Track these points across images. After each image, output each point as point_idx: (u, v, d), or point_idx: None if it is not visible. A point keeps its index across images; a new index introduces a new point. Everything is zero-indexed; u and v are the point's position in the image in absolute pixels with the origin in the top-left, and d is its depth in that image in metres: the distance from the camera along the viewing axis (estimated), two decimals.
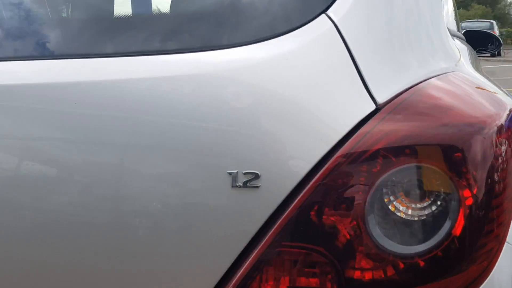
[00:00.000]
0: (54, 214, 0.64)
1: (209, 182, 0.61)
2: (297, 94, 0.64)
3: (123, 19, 0.98)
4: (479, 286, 0.62)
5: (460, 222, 0.61)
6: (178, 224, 0.62)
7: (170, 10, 1.02)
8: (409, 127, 0.63)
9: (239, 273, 0.61)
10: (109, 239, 0.62)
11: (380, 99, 0.65)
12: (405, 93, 0.67)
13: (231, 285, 0.61)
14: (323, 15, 0.68)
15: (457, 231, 0.60)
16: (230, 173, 0.60)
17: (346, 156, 0.61)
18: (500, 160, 0.66)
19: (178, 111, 0.63)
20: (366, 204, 0.60)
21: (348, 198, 0.61)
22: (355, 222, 0.60)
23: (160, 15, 1.09)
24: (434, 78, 0.71)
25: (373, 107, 0.64)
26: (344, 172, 0.61)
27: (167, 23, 0.82)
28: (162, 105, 0.63)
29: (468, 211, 0.61)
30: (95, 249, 0.63)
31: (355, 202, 0.60)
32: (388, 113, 0.64)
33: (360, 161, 0.61)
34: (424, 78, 0.70)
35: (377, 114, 0.64)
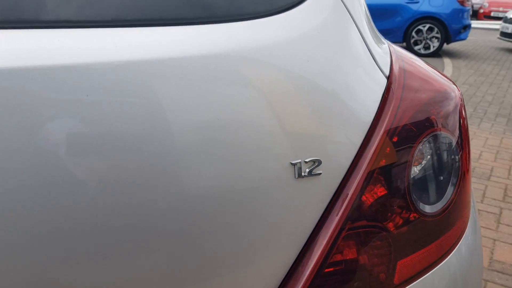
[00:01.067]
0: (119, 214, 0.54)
1: (273, 175, 0.58)
2: (330, 76, 0.63)
3: None
4: (463, 235, 0.76)
5: (459, 184, 0.72)
6: (249, 219, 0.59)
7: None
8: (423, 96, 0.70)
9: (318, 253, 0.63)
10: (178, 238, 0.56)
11: (386, 71, 0.70)
12: (395, 64, 0.72)
13: (313, 264, 0.63)
14: None
15: (457, 192, 0.72)
16: (293, 164, 0.59)
17: (389, 132, 0.65)
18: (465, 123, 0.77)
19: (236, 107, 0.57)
20: (409, 175, 0.66)
21: (396, 174, 0.66)
22: (403, 194, 0.66)
23: None
24: (395, 54, 0.78)
25: (384, 79, 0.69)
26: (390, 148, 0.65)
27: None
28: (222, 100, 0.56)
29: (463, 176, 0.72)
30: (163, 249, 0.56)
31: (402, 176, 0.66)
32: (400, 83, 0.69)
33: (401, 136, 0.66)
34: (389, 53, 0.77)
35: (392, 85, 0.69)
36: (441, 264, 0.71)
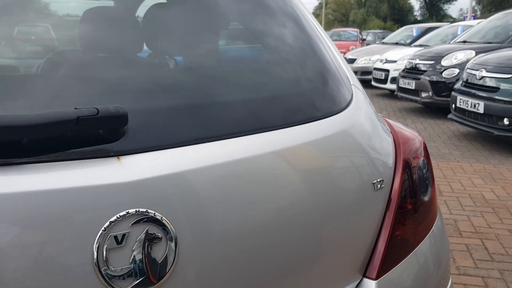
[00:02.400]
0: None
1: (361, 191, 0.95)
2: (373, 141, 1.04)
3: None
4: (436, 219, 1.17)
5: (433, 185, 1.17)
6: (340, 223, 0.91)
7: None
8: (411, 142, 1.17)
9: (387, 235, 0.98)
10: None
11: (389, 134, 1.14)
12: (391, 128, 1.18)
13: (386, 241, 0.98)
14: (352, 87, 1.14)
15: (433, 190, 1.15)
16: (373, 183, 0.96)
17: (403, 161, 1.05)
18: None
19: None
20: (416, 182, 1.08)
21: (410, 183, 1.06)
22: (415, 192, 1.06)
23: None
24: (386, 121, 1.24)
25: (391, 138, 1.12)
26: (407, 171, 1.06)
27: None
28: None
29: (433, 181, 1.19)
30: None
31: (413, 183, 1.07)
32: (398, 138, 1.13)
33: (408, 163, 1.07)
34: None
35: (396, 140, 1.12)
36: (429, 233, 1.11)
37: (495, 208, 3.39)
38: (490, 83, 5.05)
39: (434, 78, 7.05)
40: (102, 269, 0.62)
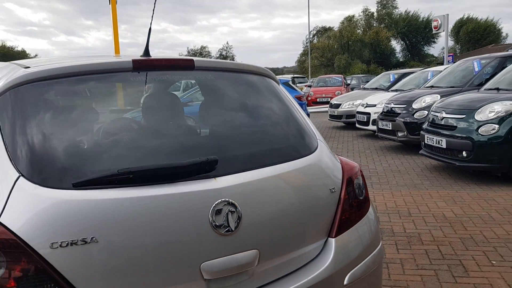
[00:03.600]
0: None
1: (325, 193, 1.82)
2: (330, 170, 1.92)
3: None
4: (369, 207, 2.07)
5: (366, 190, 2.09)
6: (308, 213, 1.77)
7: None
8: (350, 168, 2.06)
9: (339, 216, 1.84)
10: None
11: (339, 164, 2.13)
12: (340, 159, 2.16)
13: (338, 219, 1.83)
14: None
15: (367, 192, 2.05)
16: (330, 189, 1.84)
17: (348, 177, 1.95)
18: None
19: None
20: (355, 190, 1.98)
21: (353, 189, 1.95)
22: (356, 194, 2.00)
23: None
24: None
25: (339, 163, 2.11)
26: (350, 183, 1.94)
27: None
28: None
29: (366, 188, 2.09)
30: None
31: (354, 190, 1.97)
32: (343, 165, 2.05)
33: (349, 179, 1.95)
34: None
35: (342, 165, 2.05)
36: (364, 216, 1.98)
37: (452, 223, 4.26)
38: (449, 122, 6.04)
39: (408, 120, 8.08)
40: (212, 223, 1.49)
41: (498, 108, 5.55)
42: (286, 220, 1.68)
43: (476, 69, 8.03)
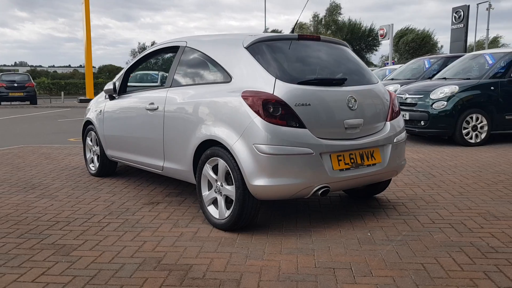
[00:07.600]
0: None
1: (385, 101, 3.64)
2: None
3: None
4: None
5: None
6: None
7: None
8: None
9: (389, 113, 3.82)
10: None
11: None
12: None
13: (389, 115, 3.82)
14: None
15: None
16: (387, 100, 3.83)
17: (393, 97, 3.90)
18: None
19: None
20: None
21: (394, 102, 3.88)
22: None
23: None
24: None
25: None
26: (393, 100, 3.93)
27: None
28: None
29: None
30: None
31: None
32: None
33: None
34: None
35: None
36: (400, 115, 4.00)
37: (418, 161, 6.35)
38: (410, 101, 8.23)
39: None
40: (347, 104, 3.39)
41: (446, 90, 7.79)
42: (375, 109, 3.62)
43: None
